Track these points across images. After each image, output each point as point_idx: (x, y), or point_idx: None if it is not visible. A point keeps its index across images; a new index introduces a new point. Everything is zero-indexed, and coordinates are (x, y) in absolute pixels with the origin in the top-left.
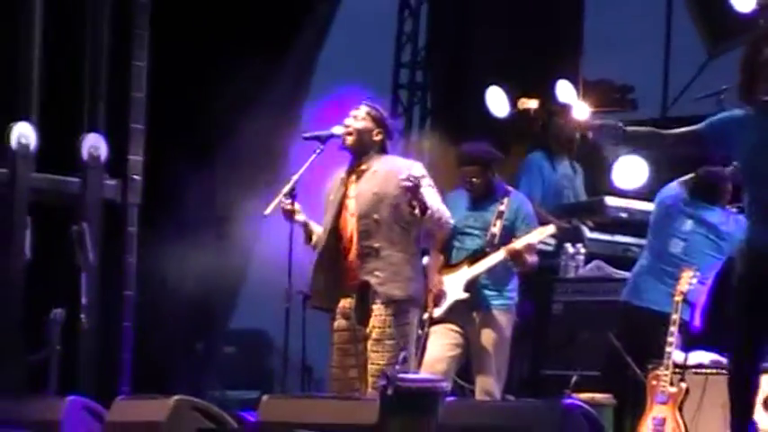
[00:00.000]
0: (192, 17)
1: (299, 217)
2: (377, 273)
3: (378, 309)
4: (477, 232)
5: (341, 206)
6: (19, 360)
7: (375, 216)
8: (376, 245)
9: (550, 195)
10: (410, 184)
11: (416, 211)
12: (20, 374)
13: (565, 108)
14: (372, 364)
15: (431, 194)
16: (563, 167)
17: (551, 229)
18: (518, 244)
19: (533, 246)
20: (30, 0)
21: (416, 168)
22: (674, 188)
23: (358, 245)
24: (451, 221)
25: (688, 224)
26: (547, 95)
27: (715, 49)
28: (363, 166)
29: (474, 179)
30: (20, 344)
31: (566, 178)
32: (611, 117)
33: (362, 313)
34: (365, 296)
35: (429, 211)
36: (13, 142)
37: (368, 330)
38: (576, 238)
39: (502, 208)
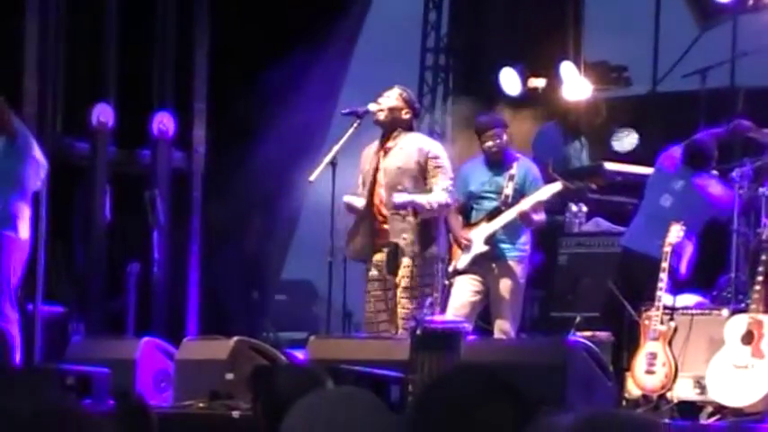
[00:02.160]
0: (245, 12)
1: (359, 204)
2: (404, 235)
3: (406, 262)
4: (492, 195)
5: (374, 179)
6: (101, 306)
7: (399, 187)
8: (402, 211)
9: (559, 165)
10: (399, 203)
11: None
12: (102, 318)
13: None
14: (402, 308)
15: (439, 180)
16: (572, 141)
17: (558, 186)
18: (525, 204)
19: (542, 203)
20: (107, 4)
21: (434, 148)
22: (673, 152)
23: (388, 210)
24: (451, 204)
25: (679, 184)
26: (552, 75)
27: (705, 22)
28: (391, 143)
29: (497, 140)
30: (102, 292)
31: (574, 150)
32: (608, 93)
33: (393, 266)
34: (395, 253)
35: (420, 214)
36: (94, 121)
37: (397, 280)
38: (579, 198)
39: (512, 172)
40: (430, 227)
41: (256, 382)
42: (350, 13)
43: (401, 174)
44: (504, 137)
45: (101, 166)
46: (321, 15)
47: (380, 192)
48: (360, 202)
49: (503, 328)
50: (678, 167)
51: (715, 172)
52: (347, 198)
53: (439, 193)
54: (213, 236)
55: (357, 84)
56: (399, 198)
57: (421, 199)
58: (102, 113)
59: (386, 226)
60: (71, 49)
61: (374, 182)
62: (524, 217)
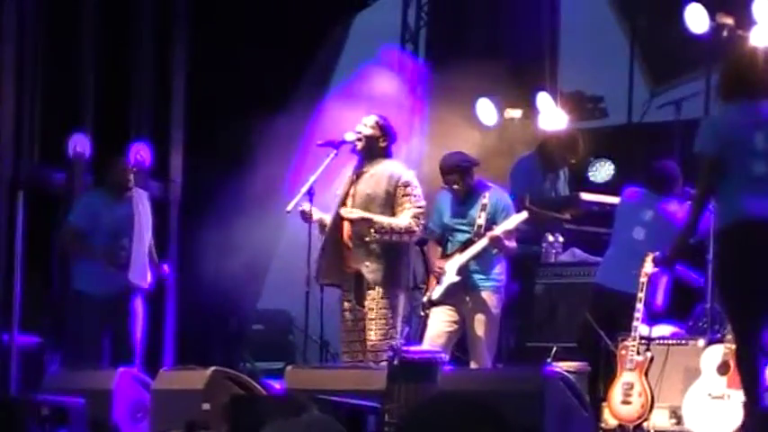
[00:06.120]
0: (223, 41)
1: (315, 216)
2: (366, 263)
3: (371, 293)
4: (465, 227)
5: (343, 203)
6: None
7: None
8: (366, 238)
9: (535, 196)
10: (348, 217)
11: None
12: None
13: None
14: (367, 339)
15: (406, 208)
16: (549, 173)
17: (524, 215)
18: (498, 231)
19: (512, 231)
20: (84, 33)
21: (406, 176)
22: (635, 188)
23: (352, 238)
24: (417, 230)
25: (649, 214)
26: (529, 106)
27: (657, 87)
28: (365, 169)
29: (455, 185)
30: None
31: (550, 183)
32: (585, 123)
33: (359, 296)
34: (360, 282)
35: (377, 234)
36: (71, 151)
37: (364, 311)
38: (555, 228)
39: (484, 201)
40: (395, 255)
41: (233, 412)
42: (327, 44)
43: (369, 201)
44: (467, 179)
45: (77, 195)
46: (299, 46)
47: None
48: (316, 215)
49: (479, 358)
50: (643, 196)
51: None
52: (291, 206)
53: (403, 218)
54: (190, 266)
55: (333, 112)
56: (349, 213)
57: (379, 218)
58: (80, 143)
59: (350, 252)
60: (48, 79)
61: (344, 207)
62: (496, 241)
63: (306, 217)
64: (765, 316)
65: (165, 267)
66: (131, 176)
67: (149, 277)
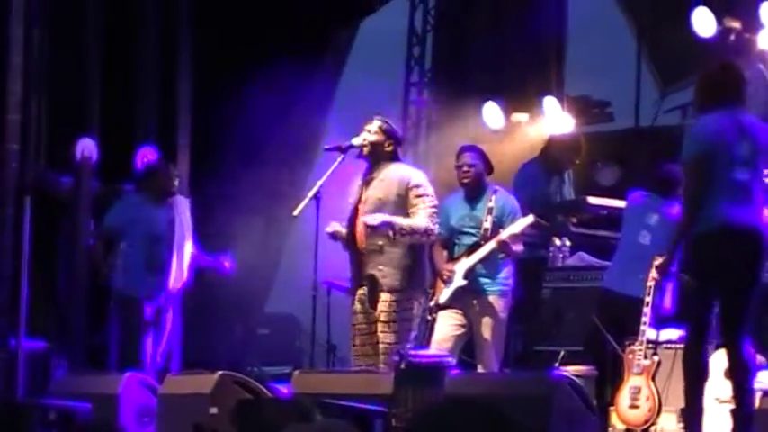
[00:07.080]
0: (229, 47)
1: (329, 229)
2: (380, 267)
3: (384, 296)
4: (472, 231)
5: (356, 210)
6: (84, 340)
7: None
8: (379, 243)
9: (539, 200)
10: (373, 224)
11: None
12: (84, 354)
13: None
14: (381, 342)
15: (420, 209)
16: (553, 177)
17: (530, 219)
18: (504, 235)
19: (518, 235)
20: (90, 38)
21: (416, 178)
22: (639, 192)
23: (365, 243)
24: (434, 230)
25: (654, 218)
26: (535, 110)
27: (666, 88)
28: (374, 174)
29: (469, 166)
30: (85, 326)
31: (555, 187)
32: (592, 127)
33: (373, 299)
34: (374, 285)
35: (398, 236)
36: (78, 155)
37: (377, 314)
38: (561, 232)
39: (491, 205)
40: (410, 259)
41: (240, 417)
42: (334, 49)
43: (381, 205)
44: (478, 163)
45: (84, 199)
46: (306, 50)
47: (361, 223)
48: (332, 228)
49: (486, 362)
50: (648, 200)
51: None
52: (330, 228)
53: (421, 219)
54: (196, 270)
55: (341, 117)
56: (372, 220)
57: (400, 221)
58: (87, 148)
59: (364, 257)
60: (55, 83)
61: (356, 213)
62: (502, 245)
63: (336, 237)
64: (738, 319)
65: (226, 263)
66: (176, 182)
67: (185, 275)
